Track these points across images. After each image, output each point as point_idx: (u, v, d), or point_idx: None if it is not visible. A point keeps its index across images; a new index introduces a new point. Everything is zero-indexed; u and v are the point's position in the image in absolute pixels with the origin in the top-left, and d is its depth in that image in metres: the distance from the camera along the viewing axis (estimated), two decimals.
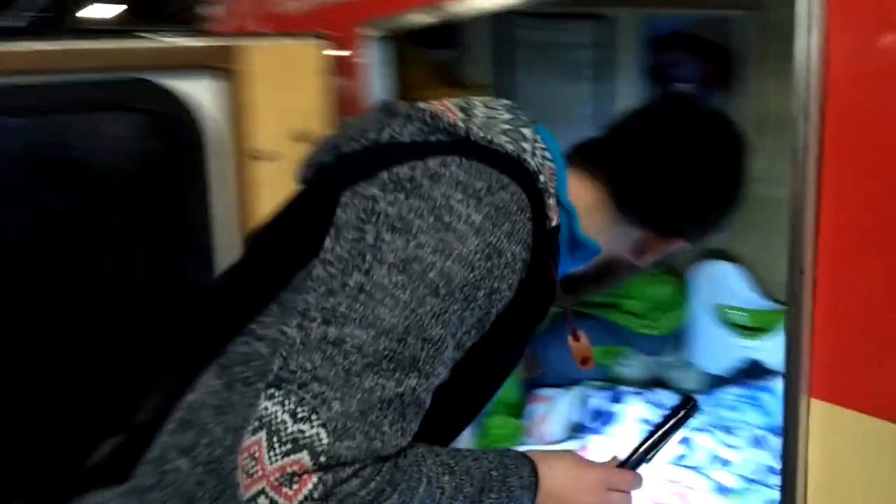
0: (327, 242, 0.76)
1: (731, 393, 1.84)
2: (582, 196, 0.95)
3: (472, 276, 0.72)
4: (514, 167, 0.83)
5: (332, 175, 0.88)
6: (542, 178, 0.85)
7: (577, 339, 1.02)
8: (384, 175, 0.77)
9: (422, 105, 0.92)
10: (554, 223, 0.85)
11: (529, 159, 0.85)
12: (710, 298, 2.17)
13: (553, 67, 2.03)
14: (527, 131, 0.89)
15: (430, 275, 0.71)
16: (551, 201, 0.85)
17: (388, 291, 0.71)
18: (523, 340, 0.94)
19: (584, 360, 1.03)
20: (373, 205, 0.75)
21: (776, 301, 2.15)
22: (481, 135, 0.86)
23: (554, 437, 1.86)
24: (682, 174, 0.96)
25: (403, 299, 0.71)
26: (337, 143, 0.94)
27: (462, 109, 0.91)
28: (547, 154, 0.89)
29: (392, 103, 0.94)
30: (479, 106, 0.92)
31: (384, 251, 0.72)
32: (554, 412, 1.91)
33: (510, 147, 0.85)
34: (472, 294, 0.73)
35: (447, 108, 0.91)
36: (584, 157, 0.98)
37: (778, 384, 1.75)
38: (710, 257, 2.24)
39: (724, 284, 2.20)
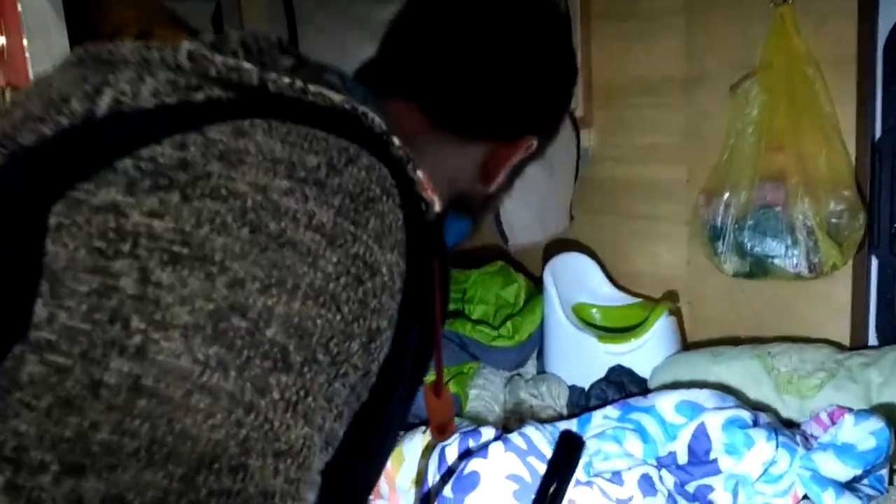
0: (39, 309, 0.40)
1: (607, 417, 1.52)
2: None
3: (338, 319, 0.43)
4: (354, 128, 0.52)
5: (13, 184, 0.49)
6: (394, 139, 0.55)
7: (437, 393, 0.73)
8: (127, 164, 0.43)
9: (159, 44, 0.56)
10: (434, 206, 0.56)
11: (369, 112, 0.54)
12: (567, 297, 1.91)
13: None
14: (332, 77, 0.58)
15: (269, 332, 0.41)
16: (419, 172, 0.55)
17: (190, 383, 0.38)
18: (412, 391, 0.63)
19: (442, 428, 0.76)
20: (118, 220, 0.41)
21: (630, 293, 1.92)
22: (286, 81, 0.52)
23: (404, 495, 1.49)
24: (494, 51, 0.69)
25: (226, 390, 0.39)
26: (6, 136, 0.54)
27: (224, 47, 0.56)
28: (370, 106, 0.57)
29: (104, 47, 0.56)
30: (239, 40, 0.58)
31: (165, 306, 0.40)
32: (399, 463, 1.55)
33: (336, 97, 0.53)
34: (342, 349, 0.44)
35: (203, 45, 0.56)
36: (374, 84, 0.68)
37: (660, 401, 1.48)
38: (560, 250, 1.98)
39: (577, 279, 1.95)
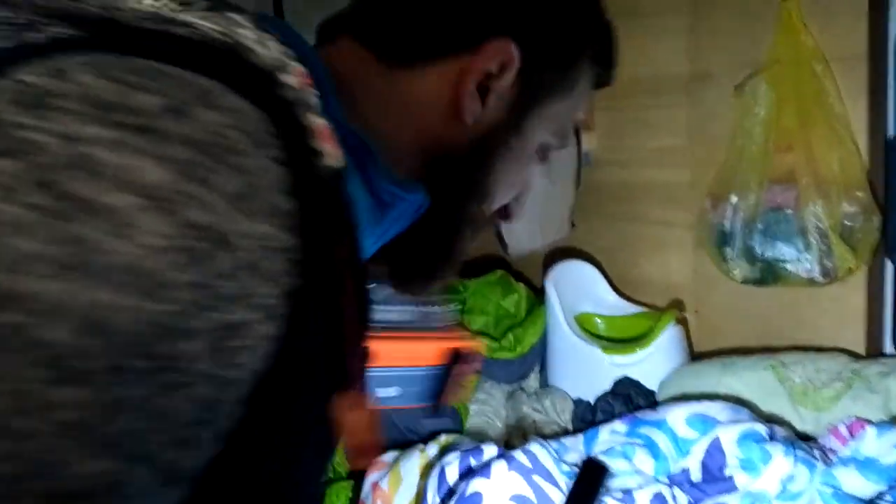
0: None
1: (615, 432, 1.44)
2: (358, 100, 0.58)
3: (164, 309, 0.33)
4: (228, 63, 0.42)
5: None
6: (286, 78, 0.44)
7: (354, 406, 0.54)
8: None
9: None
10: (331, 161, 0.45)
11: (257, 48, 0.44)
12: (570, 307, 1.84)
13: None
14: (241, 17, 0.46)
15: (53, 331, 0.31)
16: (316, 119, 0.44)
17: None
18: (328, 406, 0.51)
19: (360, 451, 0.55)
20: None
21: (634, 302, 1.86)
22: (150, 11, 0.43)
23: None
24: None
25: None
26: None
27: None
28: (289, 51, 0.46)
29: None
30: None
31: None
32: (396, 483, 1.47)
33: (210, 27, 0.44)
34: (173, 351, 0.33)
35: None
36: (325, 32, 0.64)
37: (670, 414, 1.40)
38: (562, 258, 1.91)
39: (580, 288, 1.88)
